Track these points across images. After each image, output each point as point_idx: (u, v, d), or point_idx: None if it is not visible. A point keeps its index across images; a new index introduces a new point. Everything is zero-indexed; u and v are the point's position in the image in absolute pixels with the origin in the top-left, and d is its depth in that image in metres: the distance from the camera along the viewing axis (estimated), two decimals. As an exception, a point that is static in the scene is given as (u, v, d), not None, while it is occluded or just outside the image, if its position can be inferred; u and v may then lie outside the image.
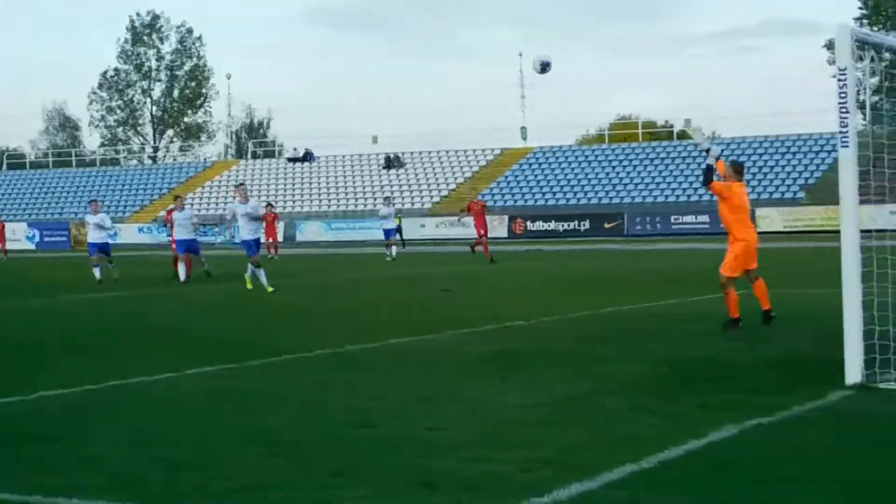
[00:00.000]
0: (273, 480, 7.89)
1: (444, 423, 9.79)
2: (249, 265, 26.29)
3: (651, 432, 9.17)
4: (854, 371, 11.12)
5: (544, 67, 18.81)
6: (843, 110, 11.13)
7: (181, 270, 30.99)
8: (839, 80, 11.18)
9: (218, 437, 9.37)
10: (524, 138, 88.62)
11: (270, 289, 25.34)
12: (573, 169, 78.74)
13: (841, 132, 11.17)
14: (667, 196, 72.91)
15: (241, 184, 30.36)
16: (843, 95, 11.14)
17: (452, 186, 79.95)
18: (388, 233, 45.28)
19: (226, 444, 9.11)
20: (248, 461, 8.47)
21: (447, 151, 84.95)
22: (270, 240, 46.48)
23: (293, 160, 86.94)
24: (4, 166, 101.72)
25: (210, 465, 8.34)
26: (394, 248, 44.55)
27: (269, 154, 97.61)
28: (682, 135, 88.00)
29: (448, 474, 7.96)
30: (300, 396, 11.47)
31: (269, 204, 51.04)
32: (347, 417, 10.15)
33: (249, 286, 26.14)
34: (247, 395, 11.61)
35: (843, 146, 11.22)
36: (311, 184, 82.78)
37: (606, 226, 68.86)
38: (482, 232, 40.92)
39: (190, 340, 16.74)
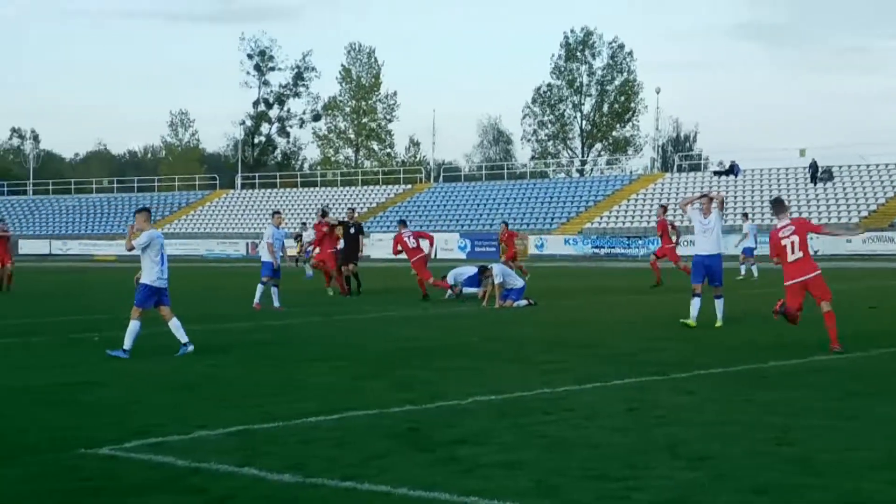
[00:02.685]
0: (693, 494, 7.93)
1: (864, 444, 9.53)
2: None
3: None
4: None
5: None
6: None
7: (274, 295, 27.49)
8: None
9: (640, 449, 9.50)
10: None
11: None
12: None
13: None
14: None
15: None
16: None
17: (882, 201, 76.95)
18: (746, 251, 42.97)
19: (648, 455, 9.22)
20: (670, 474, 8.55)
21: (877, 165, 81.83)
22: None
23: (718, 173, 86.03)
24: (441, 178, 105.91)
25: (631, 477, 8.47)
26: (743, 267, 41.61)
27: (695, 167, 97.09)
28: None
29: (873, 498, 7.76)
30: (720, 411, 11.43)
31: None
32: (767, 434, 10.05)
33: None
34: (669, 407, 11.67)
35: None
36: (735, 197, 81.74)
37: None
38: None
39: (606, 352, 16.97)
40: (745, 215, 50.29)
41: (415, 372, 14.82)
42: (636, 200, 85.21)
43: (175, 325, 17.37)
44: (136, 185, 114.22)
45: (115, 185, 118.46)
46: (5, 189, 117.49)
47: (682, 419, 10.94)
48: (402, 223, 32.74)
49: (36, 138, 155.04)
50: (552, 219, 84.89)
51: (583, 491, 8.07)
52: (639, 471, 8.67)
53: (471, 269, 30.74)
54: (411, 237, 31.19)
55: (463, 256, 74.92)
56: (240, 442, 10.03)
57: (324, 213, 35.28)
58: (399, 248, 31.25)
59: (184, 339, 17.25)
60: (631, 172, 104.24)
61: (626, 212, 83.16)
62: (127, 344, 16.91)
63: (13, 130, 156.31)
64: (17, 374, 15.11)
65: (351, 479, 8.47)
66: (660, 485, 8.20)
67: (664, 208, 37.32)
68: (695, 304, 20.75)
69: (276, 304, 26.86)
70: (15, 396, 13.09)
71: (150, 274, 17.39)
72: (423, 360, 16.22)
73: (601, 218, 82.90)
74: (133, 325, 17.06)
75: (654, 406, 11.76)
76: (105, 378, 14.49)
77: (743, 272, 41.15)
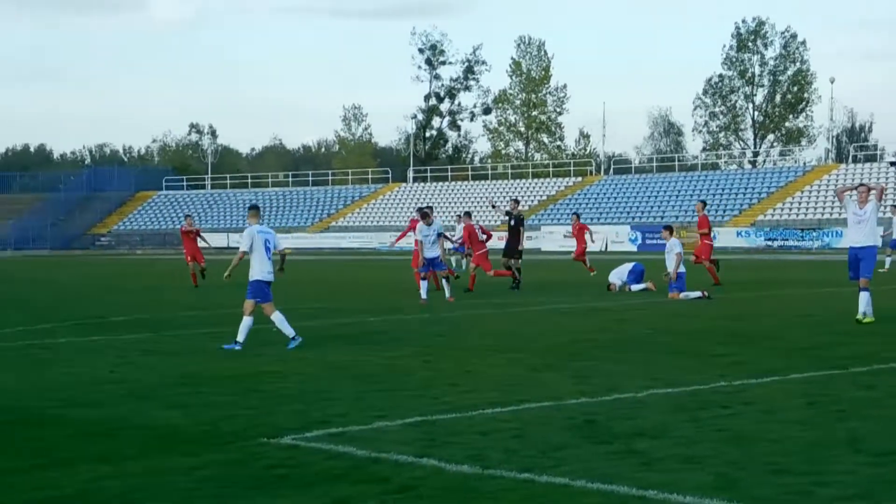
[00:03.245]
0: (878, 490, 7.82)
1: None
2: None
3: None
4: None
5: None
6: None
7: (423, 288, 27.54)
8: None
9: (821, 443, 9.38)
10: None
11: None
12: None
13: None
14: None
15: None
16: None
17: None
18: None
19: (829, 450, 9.11)
20: (853, 469, 8.43)
21: None
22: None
23: (895, 164, 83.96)
24: (611, 171, 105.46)
25: (813, 472, 8.38)
26: (888, 260, 40.32)
27: (871, 158, 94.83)
28: None
29: None
30: (902, 407, 11.24)
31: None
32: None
33: None
34: (849, 402, 11.50)
35: None
36: (915, 188, 79.65)
37: None
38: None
39: (782, 345, 16.75)
40: (895, 206, 48.87)
41: (589, 364, 14.85)
42: (810, 192, 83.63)
43: (279, 318, 17.44)
44: (310, 179, 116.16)
45: (289, 179, 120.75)
46: (184, 184, 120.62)
47: (863, 414, 10.78)
48: (468, 214, 32.70)
49: (213, 134, 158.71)
50: (724, 211, 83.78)
51: (764, 486, 8.01)
52: (821, 465, 8.57)
53: (630, 265, 30.66)
54: (480, 230, 31.45)
55: (634, 249, 74.56)
56: (419, 432, 10.18)
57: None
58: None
59: (290, 332, 17.30)
60: (804, 163, 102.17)
61: (799, 203, 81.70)
62: (241, 337, 17.23)
63: (192, 126, 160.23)
64: (211, 363, 15.56)
65: (529, 471, 8.54)
66: (843, 480, 8.09)
67: (703, 203, 36.93)
68: (863, 299, 19.97)
69: (447, 294, 27.11)
70: (215, 384, 13.51)
71: (259, 269, 17.54)
72: (597, 351, 16.25)
73: (774, 210, 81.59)
74: (246, 321, 17.28)
75: (835, 400, 11.60)
76: (285, 368, 14.83)
77: (888, 265, 40.07)
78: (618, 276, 30.42)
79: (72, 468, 8.93)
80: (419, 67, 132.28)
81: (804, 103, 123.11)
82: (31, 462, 9.19)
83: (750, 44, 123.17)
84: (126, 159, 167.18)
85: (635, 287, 29.66)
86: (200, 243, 37.78)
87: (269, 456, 9.31)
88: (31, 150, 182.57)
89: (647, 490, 7.88)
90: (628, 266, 30.76)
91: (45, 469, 8.94)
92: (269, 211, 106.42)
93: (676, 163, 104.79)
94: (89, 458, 9.33)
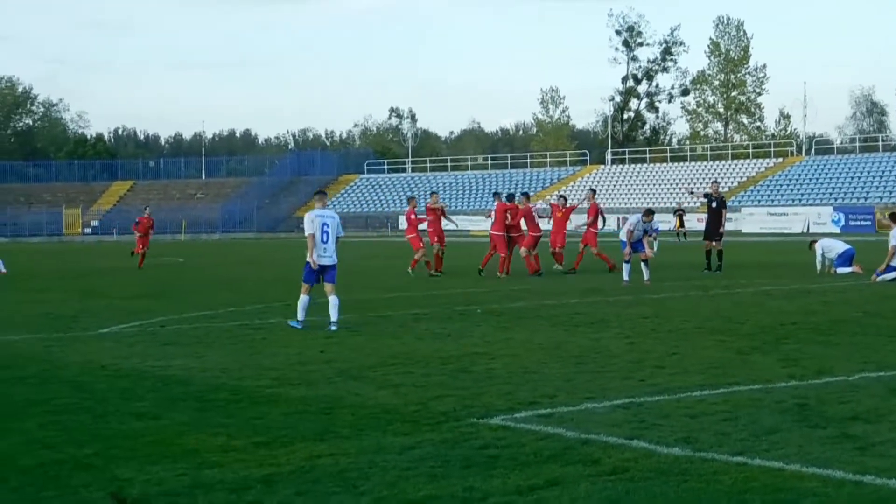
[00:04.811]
0: None
1: None
2: None
3: None
4: None
5: None
6: None
7: (626, 270, 27.91)
8: None
9: None
10: None
11: None
12: None
13: None
14: None
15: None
16: None
17: None
18: None
19: None
20: None
21: None
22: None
23: None
24: (812, 151, 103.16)
25: None
26: None
27: None
28: None
29: None
30: None
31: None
32: None
33: None
34: None
35: None
36: None
37: None
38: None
39: None
40: None
41: (797, 346, 14.64)
42: None
43: (333, 302, 17.95)
44: (508, 161, 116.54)
45: (488, 161, 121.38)
46: (385, 167, 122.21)
47: None
48: (527, 196, 32.19)
49: (413, 118, 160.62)
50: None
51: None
52: None
53: (843, 247, 29.80)
54: (538, 215, 31.31)
55: (836, 230, 72.68)
56: (628, 414, 10.19)
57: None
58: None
59: (334, 317, 17.85)
60: None
61: None
62: (300, 316, 18.10)
63: (392, 111, 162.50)
64: (418, 344, 15.83)
65: (741, 454, 8.49)
66: None
67: (594, 192, 36.11)
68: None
69: (646, 277, 27.00)
70: (424, 364, 13.74)
71: (313, 252, 18.03)
72: (805, 334, 16.00)
73: None
74: (302, 300, 18.23)
75: None
76: (492, 349, 14.96)
77: None
78: (824, 249, 29.74)
79: (290, 446, 9.17)
80: (616, 49, 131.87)
81: None
82: (252, 440, 9.46)
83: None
84: (328, 143, 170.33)
85: (841, 270, 28.98)
86: (446, 224, 37.07)
87: (480, 436, 9.42)
88: (237, 135, 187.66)
89: (864, 475, 7.77)
90: (841, 246, 29.86)
91: (264, 447, 9.20)
92: (469, 193, 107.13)
93: (880, 143, 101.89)
94: (306, 436, 9.58)
